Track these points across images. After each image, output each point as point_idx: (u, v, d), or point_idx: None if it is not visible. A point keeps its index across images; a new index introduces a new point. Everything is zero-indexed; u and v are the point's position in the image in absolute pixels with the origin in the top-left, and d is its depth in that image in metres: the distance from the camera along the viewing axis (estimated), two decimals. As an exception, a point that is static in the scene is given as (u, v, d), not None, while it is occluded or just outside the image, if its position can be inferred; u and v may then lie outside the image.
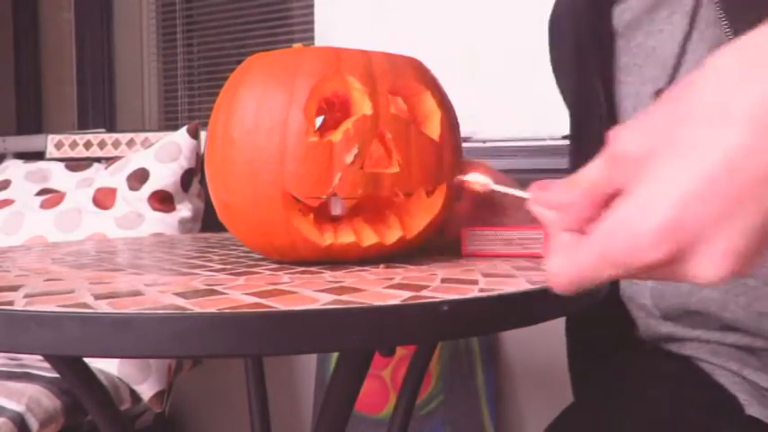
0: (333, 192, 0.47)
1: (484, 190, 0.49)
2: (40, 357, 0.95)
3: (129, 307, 0.34)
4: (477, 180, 0.49)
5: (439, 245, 0.60)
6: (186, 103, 1.99)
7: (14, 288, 0.41)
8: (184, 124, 1.31)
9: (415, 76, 0.51)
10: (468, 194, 0.56)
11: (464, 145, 0.54)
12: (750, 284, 0.55)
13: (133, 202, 1.23)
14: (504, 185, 0.45)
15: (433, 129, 0.51)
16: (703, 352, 0.61)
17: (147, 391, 1.11)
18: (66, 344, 0.33)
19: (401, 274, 0.46)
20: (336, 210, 0.51)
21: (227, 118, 0.49)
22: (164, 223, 1.22)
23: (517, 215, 0.56)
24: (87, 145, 1.55)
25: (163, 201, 1.24)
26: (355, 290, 0.39)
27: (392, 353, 1.39)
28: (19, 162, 1.48)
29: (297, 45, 0.51)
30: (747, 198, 0.27)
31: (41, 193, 1.36)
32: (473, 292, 0.39)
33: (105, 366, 1.09)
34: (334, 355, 1.39)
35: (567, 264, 0.32)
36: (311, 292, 0.39)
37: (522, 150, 1.40)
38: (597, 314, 0.72)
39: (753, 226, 0.27)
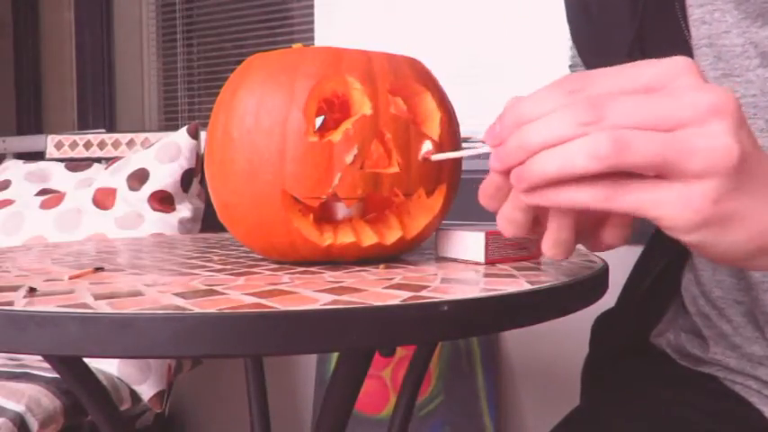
0: (333, 192, 0.47)
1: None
2: (39, 357, 0.95)
3: (129, 307, 0.34)
4: (429, 149, 0.49)
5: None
6: (186, 103, 1.99)
7: (14, 288, 0.41)
8: (184, 124, 1.31)
9: (415, 77, 0.51)
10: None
11: (464, 145, 0.54)
12: None
13: (133, 203, 1.23)
14: None
15: (433, 129, 0.51)
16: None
17: (147, 391, 1.11)
18: (66, 344, 0.33)
19: (401, 274, 0.46)
20: (341, 214, 0.51)
21: (227, 118, 0.49)
22: (164, 223, 1.22)
23: None
24: (87, 145, 1.55)
25: (163, 201, 1.24)
26: (355, 290, 0.39)
27: (392, 353, 1.39)
28: (19, 162, 1.48)
29: (297, 45, 0.51)
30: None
31: (41, 193, 1.36)
32: (473, 292, 0.39)
33: (105, 366, 1.09)
34: (334, 355, 1.39)
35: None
36: (311, 293, 0.39)
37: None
38: (621, 321, 0.71)
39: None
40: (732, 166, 0.30)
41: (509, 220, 0.37)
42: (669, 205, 0.31)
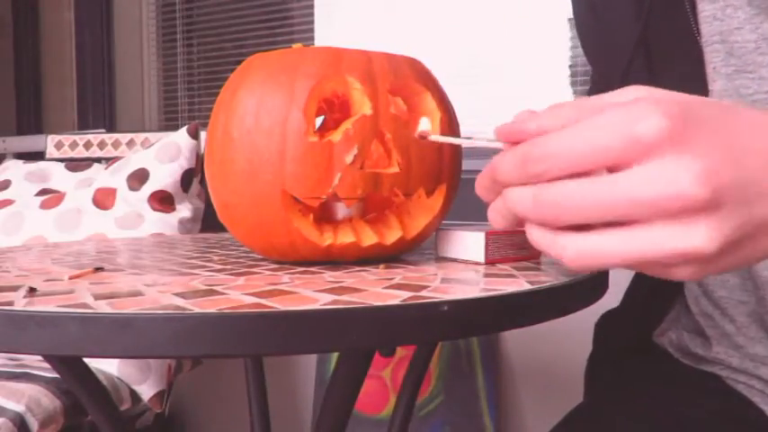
0: (333, 192, 0.47)
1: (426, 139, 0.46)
2: (39, 357, 0.95)
3: (129, 307, 0.34)
4: (426, 129, 0.47)
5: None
6: (186, 103, 1.99)
7: (14, 288, 0.41)
8: (184, 124, 1.31)
9: (415, 76, 0.51)
10: None
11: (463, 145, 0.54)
12: None
13: (133, 203, 1.23)
14: None
15: (434, 129, 0.51)
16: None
17: (147, 391, 1.11)
18: (66, 344, 0.33)
19: (401, 274, 0.46)
20: (341, 214, 0.51)
21: (227, 118, 0.49)
22: (164, 223, 1.22)
23: None
24: (87, 145, 1.55)
25: (163, 201, 1.24)
26: (355, 290, 0.39)
27: (392, 353, 1.39)
28: (19, 162, 1.49)
29: (297, 45, 0.51)
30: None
31: (41, 193, 1.36)
32: (473, 292, 0.39)
33: (105, 366, 1.09)
34: (334, 355, 1.39)
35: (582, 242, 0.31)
36: (311, 292, 0.39)
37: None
38: (624, 320, 0.72)
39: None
40: (707, 258, 0.29)
41: (502, 215, 0.38)
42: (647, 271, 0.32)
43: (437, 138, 0.46)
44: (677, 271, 0.31)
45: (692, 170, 0.28)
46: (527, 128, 0.34)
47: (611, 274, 0.50)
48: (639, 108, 0.29)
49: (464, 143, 0.46)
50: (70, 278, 0.45)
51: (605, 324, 0.74)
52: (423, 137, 0.46)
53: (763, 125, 0.30)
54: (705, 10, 0.55)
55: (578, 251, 0.31)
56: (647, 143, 0.29)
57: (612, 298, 0.70)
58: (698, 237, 0.28)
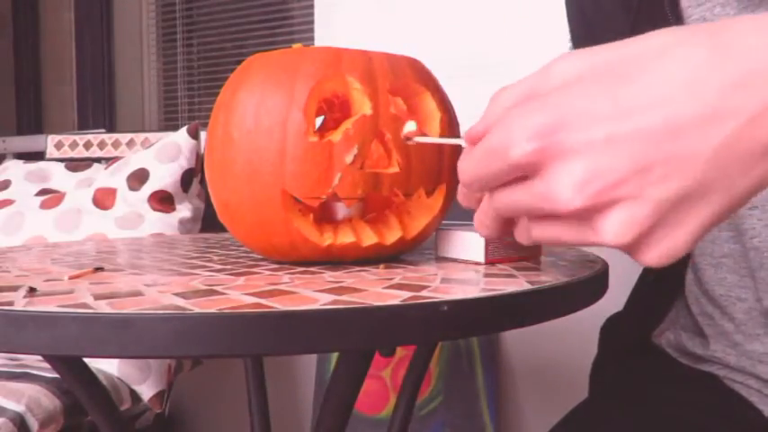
0: (333, 192, 0.47)
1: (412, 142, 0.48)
2: (39, 357, 0.95)
3: (128, 307, 0.34)
4: (411, 130, 0.47)
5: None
6: (186, 103, 1.99)
7: (14, 288, 0.41)
8: (184, 124, 1.31)
9: (416, 77, 0.51)
10: None
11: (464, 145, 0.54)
12: None
13: (133, 203, 1.23)
14: None
15: (433, 129, 0.51)
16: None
17: (147, 391, 1.11)
18: (65, 344, 0.33)
19: (401, 274, 0.46)
20: (341, 214, 0.51)
21: (226, 118, 0.49)
22: (164, 223, 1.22)
23: None
24: (87, 145, 1.55)
25: (163, 201, 1.24)
26: (355, 290, 0.39)
27: (392, 353, 1.39)
28: (19, 162, 1.48)
29: (297, 45, 0.51)
30: (678, 167, 0.27)
31: (41, 193, 1.36)
32: (473, 292, 0.39)
33: (105, 366, 1.09)
34: (334, 355, 1.39)
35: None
36: (311, 292, 0.39)
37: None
38: (628, 323, 0.72)
39: (679, 199, 0.28)
40: (631, 244, 0.29)
41: (482, 225, 0.39)
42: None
43: (421, 139, 0.47)
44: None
45: (568, 181, 0.28)
46: (475, 131, 0.35)
47: (615, 277, 0.50)
48: (513, 130, 0.30)
49: (447, 143, 0.47)
50: (70, 278, 0.45)
51: (610, 327, 0.74)
52: (407, 138, 0.47)
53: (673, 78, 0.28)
54: (694, 14, 0.55)
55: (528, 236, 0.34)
56: (525, 165, 0.30)
57: (618, 301, 0.71)
58: (604, 233, 0.29)
